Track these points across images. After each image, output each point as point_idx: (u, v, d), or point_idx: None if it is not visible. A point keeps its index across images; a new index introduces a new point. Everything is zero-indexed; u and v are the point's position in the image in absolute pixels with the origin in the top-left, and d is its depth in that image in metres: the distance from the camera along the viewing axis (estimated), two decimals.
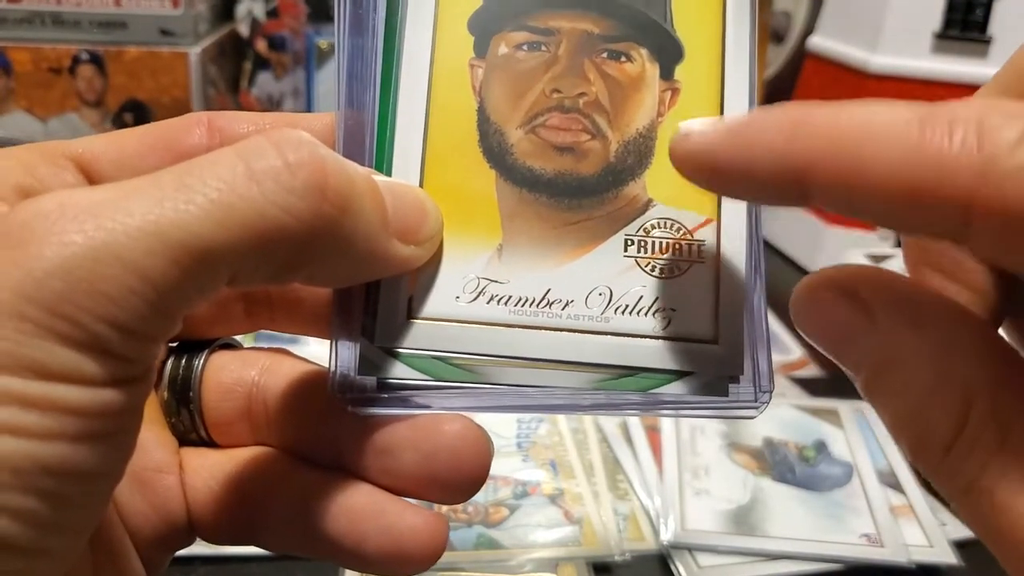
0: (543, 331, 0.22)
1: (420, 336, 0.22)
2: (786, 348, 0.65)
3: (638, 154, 0.23)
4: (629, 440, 0.53)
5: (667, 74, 0.23)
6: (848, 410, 0.56)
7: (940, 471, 0.17)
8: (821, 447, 0.52)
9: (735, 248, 0.23)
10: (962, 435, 0.17)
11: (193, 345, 0.26)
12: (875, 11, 0.72)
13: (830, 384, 0.60)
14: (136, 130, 0.24)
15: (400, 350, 0.22)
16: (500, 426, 0.53)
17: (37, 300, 0.16)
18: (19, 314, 0.16)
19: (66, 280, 0.16)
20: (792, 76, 0.86)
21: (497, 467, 0.50)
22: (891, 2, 0.71)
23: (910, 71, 0.72)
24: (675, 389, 0.22)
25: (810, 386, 0.60)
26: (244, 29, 0.84)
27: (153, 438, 0.25)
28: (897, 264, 0.63)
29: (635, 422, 0.54)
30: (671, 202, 0.23)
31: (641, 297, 0.22)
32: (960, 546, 0.46)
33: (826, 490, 0.49)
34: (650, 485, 0.49)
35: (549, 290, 0.22)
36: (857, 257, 0.64)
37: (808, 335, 0.20)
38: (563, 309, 0.22)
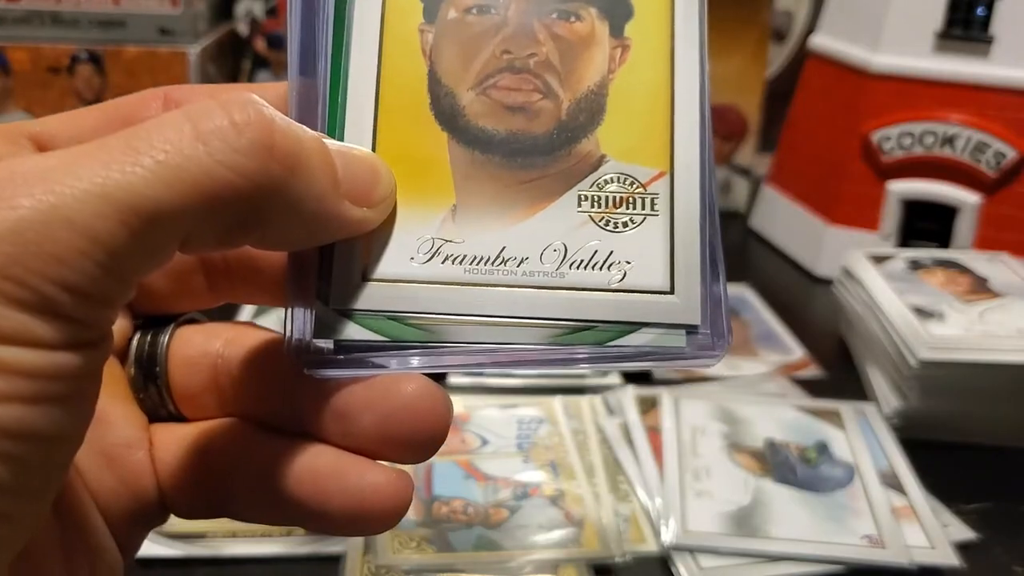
0: (498, 288, 0.22)
1: (375, 297, 0.22)
2: (787, 348, 0.65)
3: (590, 111, 0.23)
4: (630, 441, 0.52)
5: (617, 31, 0.24)
6: (850, 411, 0.56)
7: None
8: (822, 448, 0.52)
9: (689, 199, 0.23)
10: None
11: (158, 320, 0.26)
12: (876, 10, 0.72)
13: (831, 385, 0.60)
14: (93, 108, 0.24)
15: (355, 311, 0.22)
16: (500, 427, 0.53)
17: None
18: None
19: (15, 243, 0.16)
20: (793, 75, 0.86)
21: (497, 468, 0.50)
22: (893, 1, 0.71)
23: (911, 70, 0.71)
24: (632, 340, 0.22)
25: (811, 387, 0.60)
26: (243, 28, 0.84)
27: (121, 414, 0.25)
28: (900, 265, 0.63)
29: (636, 423, 0.53)
30: (624, 157, 0.23)
31: (596, 251, 0.22)
32: (962, 548, 0.46)
33: (827, 491, 0.49)
34: (651, 486, 0.49)
35: (504, 248, 0.22)
36: (858, 257, 0.64)
37: None
38: (518, 266, 0.22)
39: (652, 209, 0.23)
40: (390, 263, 0.22)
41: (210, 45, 0.79)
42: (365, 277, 0.22)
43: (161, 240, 0.18)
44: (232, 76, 0.85)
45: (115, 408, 0.24)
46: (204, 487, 0.24)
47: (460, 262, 0.22)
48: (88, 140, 0.23)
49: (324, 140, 0.21)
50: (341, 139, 0.23)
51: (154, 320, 0.26)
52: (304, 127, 0.20)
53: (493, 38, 0.23)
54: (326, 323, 0.22)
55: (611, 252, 0.22)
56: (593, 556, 0.44)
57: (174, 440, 0.25)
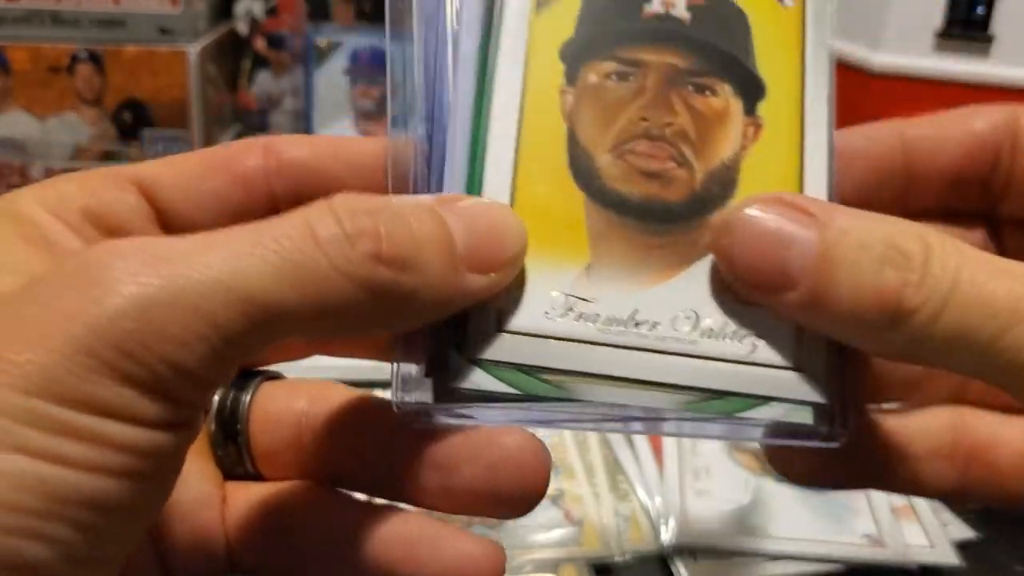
0: (631, 351, 0.22)
1: (508, 348, 0.22)
2: None
3: (722, 184, 0.23)
4: (630, 441, 0.52)
5: (750, 110, 0.24)
6: None
7: (925, 281, 0.19)
8: None
9: None
10: (932, 250, 0.20)
11: (240, 376, 0.26)
12: (877, 10, 0.72)
13: None
14: (194, 154, 0.25)
15: (487, 362, 0.22)
16: None
17: (108, 338, 0.17)
18: (87, 349, 0.17)
19: (138, 320, 0.17)
20: None
21: None
22: (892, 1, 0.71)
23: (912, 70, 0.71)
24: (762, 413, 0.22)
25: None
26: (243, 27, 0.84)
27: (197, 470, 0.25)
28: None
29: None
30: None
31: (727, 323, 0.22)
32: (962, 547, 0.46)
33: (828, 490, 0.49)
34: (651, 486, 0.49)
35: (636, 311, 0.22)
36: None
37: (743, 263, 0.21)
38: (650, 330, 0.22)
39: None
40: (525, 316, 0.22)
41: (210, 45, 0.79)
42: (500, 328, 0.22)
43: (276, 332, 0.19)
44: (232, 75, 0.85)
45: (192, 464, 0.24)
46: (275, 549, 0.24)
47: (594, 321, 0.22)
48: (191, 186, 0.24)
49: (442, 206, 0.21)
50: (480, 191, 0.23)
51: (236, 376, 0.26)
52: (419, 200, 0.21)
53: (631, 104, 0.24)
54: (457, 371, 0.22)
55: (742, 324, 0.23)
56: (593, 555, 0.44)
57: (248, 499, 0.25)
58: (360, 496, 0.25)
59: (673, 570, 0.44)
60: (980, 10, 0.69)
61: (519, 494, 0.23)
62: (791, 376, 0.22)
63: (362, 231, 0.19)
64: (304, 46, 0.83)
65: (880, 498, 0.48)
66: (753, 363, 0.22)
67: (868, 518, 0.47)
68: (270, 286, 0.18)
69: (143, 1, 0.75)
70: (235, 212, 0.24)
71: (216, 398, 0.25)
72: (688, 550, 0.45)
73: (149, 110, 0.77)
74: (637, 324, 0.22)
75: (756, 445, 0.52)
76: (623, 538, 0.46)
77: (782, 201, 0.21)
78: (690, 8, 0.24)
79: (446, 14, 0.24)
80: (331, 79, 0.81)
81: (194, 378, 0.18)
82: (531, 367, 0.22)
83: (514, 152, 0.23)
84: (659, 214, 0.23)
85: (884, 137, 0.25)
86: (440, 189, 0.23)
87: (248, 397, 0.25)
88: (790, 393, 0.22)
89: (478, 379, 0.22)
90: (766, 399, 0.22)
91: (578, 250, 0.23)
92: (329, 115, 0.82)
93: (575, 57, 0.24)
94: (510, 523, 0.46)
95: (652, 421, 0.23)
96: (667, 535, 0.45)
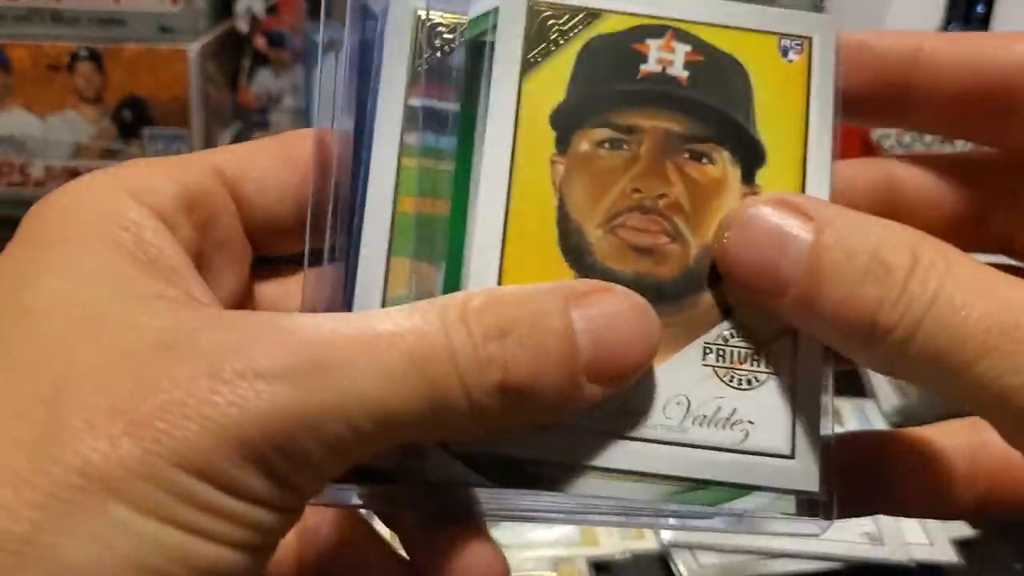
0: (621, 440, 0.21)
1: (497, 441, 0.21)
2: None
3: None
4: None
5: (748, 178, 0.23)
6: (849, 408, 0.56)
7: (901, 299, 0.19)
8: None
9: (810, 360, 0.22)
10: (917, 265, 0.19)
11: None
12: (876, 8, 0.72)
13: None
14: (270, 142, 0.24)
15: (471, 455, 0.21)
16: None
17: (266, 433, 0.17)
18: (245, 440, 0.17)
19: (296, 424, 0.18)
20: None
21: None
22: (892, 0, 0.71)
23: None
24: (744, 503, 0.22)
25: None
26: (243, 26, 0.84)
27: None
28: None
29: None
30: (750, 311, 0.22)
31: (719, 408, 0.22)
32: (961, 545, 0.46)
33: None
34: None
35: (626, 400, 0.22)
36: None
37: (739, 264, 0.21)
38: (641, 418, 0.22)
39: (775, 368, 0.22)
40: None
41: (210, 43, 0.79)
42: None
43: (399, 439, 0.19)
44: (232, 74, 0.85)
45: None
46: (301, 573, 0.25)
47: (585, 412, 0.21)
48: (270, 181, 0.23)
49: (576, 307, 0.20)
50: (459, 273, 0.22)
51: None
52: (550, 301, 0.20)
53: (624, 175, 0.22)
54: (439, 466, 0.21)
55: (734, 410, 0.22)
56: (593, 553, 0.44)
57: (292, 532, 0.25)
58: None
59: (672, 568, 0.44)
60: (980, 9, 0.69)
61: None
62: (783, 464, 0.22)
63: (491, 359, 0.19)
64: (304, 44, 0.83)
65: None
66: (744, 451, 0.22)
67: (868, 516, 0.47)
68: (408, 401, 0.18)
69: (143, 0, 0.75)
70: (300, 201, 0.23)
71: None
72: (687, 548, 0.45)
73: (149, 108, 0.77)
74: (628, 412, 0.21)
75: None
76: (622, 536, 0.46)
77: (782, 202, 0.21)
78: (688, 66, 0.23)
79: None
80: (330, 79, 0.81)
81: (324, 477, 0.19)
82: (514, 459, 0.21)
83: (502, 229, 0.22)
84: (652, 292, 0.22)
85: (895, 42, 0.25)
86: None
87: None
88: (782, 482, 0.22)
89: (460, 473, 0.21)
90: (752, 488, 0.22)
91: None
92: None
93: (566, 124, 0.22)
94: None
95: (634, 515, 0.22)
96: (666, 533, 0.45)
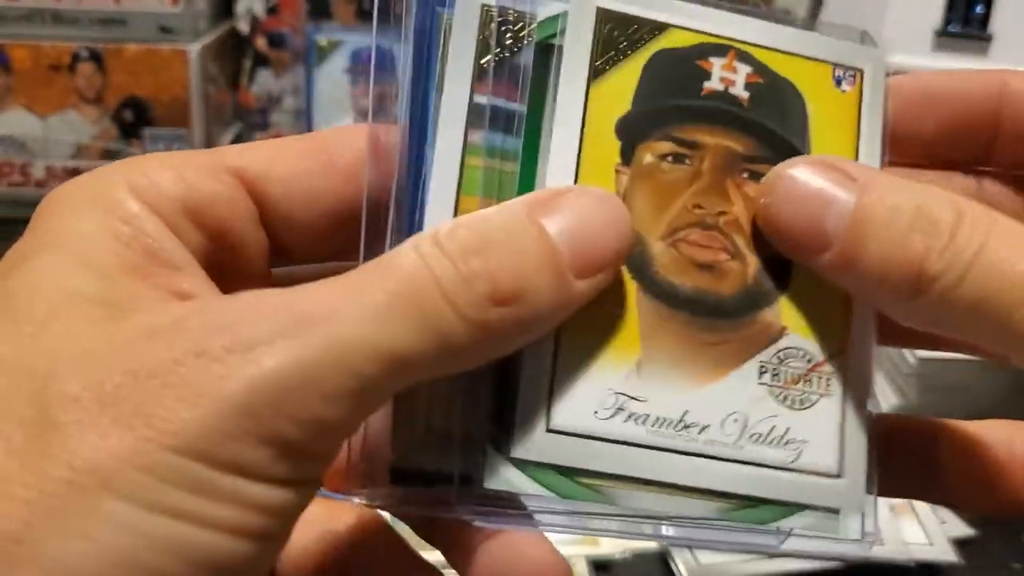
0: (678, 455, 0.22)
1: (553, 450, 0.21)
2: None
3: (774, 279, 0.23)
4: None
5: None
6: None
7: (948, 248, 0.20)
8: None
9: (860, 383, 0.23)
10: (963, 219, 0.20)
11: None
12: (875, 8, 0.72)
13: None
14: (295, 140, 0.23)
15: (528, 463, 0.21)
16: None
17: (267, 399, 0.17)
18: (246, 410, 0.17)
19: (295, 379, 0.17)
20: None
21: None
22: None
23: (911, 69, 0.71)
24: (791, 523, 0.22)
25: None
26: (244, 26, 0.84)
27: None
28: None
29: None
30: (804, 332, 0.23)
31: (774, 427, 0.22)
32: (960, 544, 0.46)
33: None
34: None
35: (686, 412, 0.22)
36: None
37: (782, 220, 0.21)
38: (699, 433, 0.22)
39: (827, 389, 0.23)
40: (575, 415, 0.21)
41: (211, 43, 0.79)
42: (549, 427, 0.21)
43: (408, 378, 0.19)
44: (232, 74, 0.85)
45: None
46: None
47: (643, 422, 0.21)
48: (294, 182, 0.22)
49: (540, 213, 0.20)
50: None
51: None
52: (513, 214, 0.20)
53: (686, 189, 0.23)
54: (493, 470, 0.21)
55: (788, 429, 0.22)
56: (593, 552, 0.44)
57: (308, 527, 0.24)
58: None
59: (672, 567, 0.44)
60: (979, 9, 0.70)
61: None
62: (832, 483, 0.22)
63: (476, 274, 0.19)
64: (305, 45, 0.83)
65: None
66: (796, 470, 0.22)
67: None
68: (405, 336, 0.18)
69: (144, 0, 0.75)
70: (333, 205, 0.23)
71: None
72: (688, 548, 0.45)
73: (150, 108, 0.77)
74: (687, 427, 0.22)
75: None
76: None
77: (825, 163, 0.21)
78: (749, 87, 0.23)
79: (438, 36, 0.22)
80: (332, 78, 0.82)
81: (335, 432, 0.18)
82: (571, 469, 0.21)
83: None
84: (711, 308, 0.22)
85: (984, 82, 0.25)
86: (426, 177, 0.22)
87: None
88: (829, 502, 0.22)
89: (515, 480, 0.21)
90: (800, 507, 0.22)
91: (629, 345, 0.22)
92: (330, 114, 0.82)
93: (631, 135, 0.23)
94: None
95: (685, 529, 0.22)
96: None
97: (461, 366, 0.20)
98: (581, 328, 0.21)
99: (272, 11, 0.84)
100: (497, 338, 0.19)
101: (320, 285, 0.18)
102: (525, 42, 0.22)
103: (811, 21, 0.24)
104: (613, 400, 0.22)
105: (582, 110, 0.22)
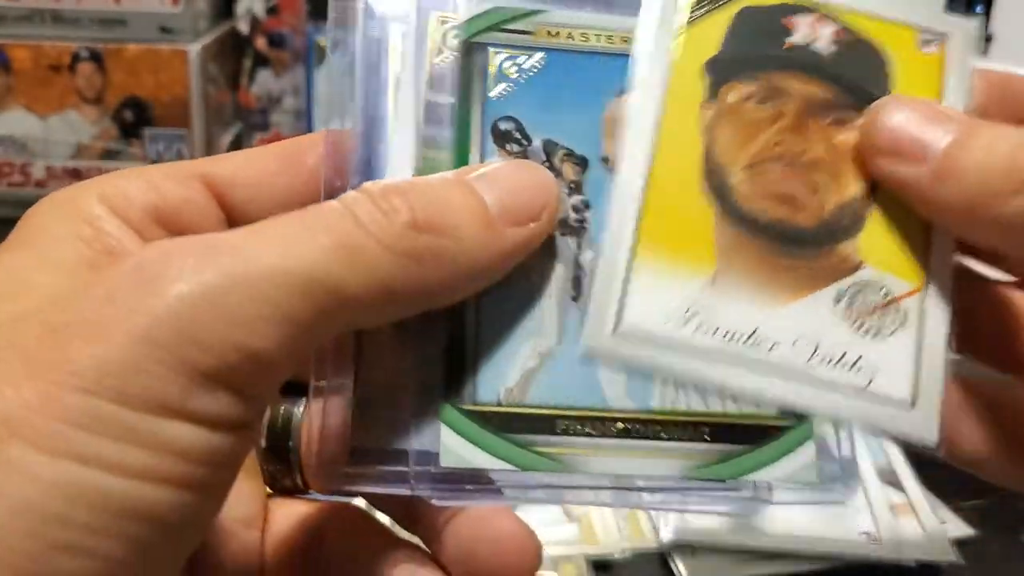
0: (747, 368, 0.22)
1: (633, 345, 0.22)
2: None
3: (852, 217, 0.24)
4: None
5: None
6: None
7: None
8: (821, 444, 0.52)
9: (937, 320, 0.23)
10: None
11: (291, 390, 0.25)
12: None
13: None
14: (265, 150, 0.24)
15: (487, 432, 0.22)
16: None
17: (174, 326, 0.16)
18: (152, 339, 0.16)
19: (205, 307, 0.17)
20: None
21: None
22: None
23: None
24: (766, 475, 0.22)
25: None
26: (244, 26, 0.84)
27: (246, 490, 0.24)
28: None
29: None
30: (882, 266, 0.23)
31: (845, 353, 0.23)
32: (960, 544, 0.46)
33: None
34: None
35: (757, 328, 0.22)
36: None
37: (883, 132, 0.23)
38: (770, 350, 0.22)
39: (904, 322, 0.23)
40: (646, 318, 0.22)
41: (211, 43, 0.79)
42: (617, 328, 0.22)
43: (338, 316, 0.19)
44: (232, 74, 0.85)
45: (240, 483, 0.24)
46: (306, 571, 0.24)
47: (713, 332, 0.22)
48: (263, 187, 0.23)
49: (466, 176, 0.21)
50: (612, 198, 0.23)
51: (287, 390, 0.25)
52: (440, 176, 0.21)
53: (769, 128, 0.24)
54: (450, 449, 0.21)
55: (860, 356, 0.23)
56: (593, 552, 0.44)
57: (289, 518, 0.25)
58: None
59: (672, 567, 0.44)
60: (979, 9, 0.70)
61: None
62: (904, 413, 0.23)
63: (396, 207, 0.19)
64: (305, 45, 0.83)
65: (879, 495, 0.48)
66: (866, 397, 0.23)
67: (867, 515, 0.47)
68: (325, 267, 0.18)
69: (144, 0, 0.75)
70: (297, 207, 0.23)
71: (268, 413, 0.25)
72: (687, 547, 0.45)
73: (150, 109, 0.77)
74: (757, 342, 0.22)
75: None
76: (623, 535, 0.46)
77: (927, 102, 0.23)
78: (832, 43, 0.24)
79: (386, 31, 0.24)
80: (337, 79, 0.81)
81: (262, 363, 0.17)
82: (528, 440, 0.22)
83: (648, 159, 0.23)
84: (788, 237, 0.23)
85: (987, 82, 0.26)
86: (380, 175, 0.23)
87: (300, 410, 0.25)
88: (901, 430, 0.23)
89: (468, 456, 0.21)
90: (779, 456, 0.22)
91: (705, 261, 0.23)
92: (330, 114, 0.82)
93: (719, 74, 0.24)
94: None
95: (659, 492, 0.22)
96: (666, 532, 0.45)
97: (399, 307, 0.20)
98: (659, 242, 0.22)
99: (272, 11, 0.84)
100: (429, 269, 0.19)
101: (239, 228, 0.19)
102: (454, 41, 0.24)
103: None
104: (686, 308, 0.22)
105: (670, 46, 0.24)
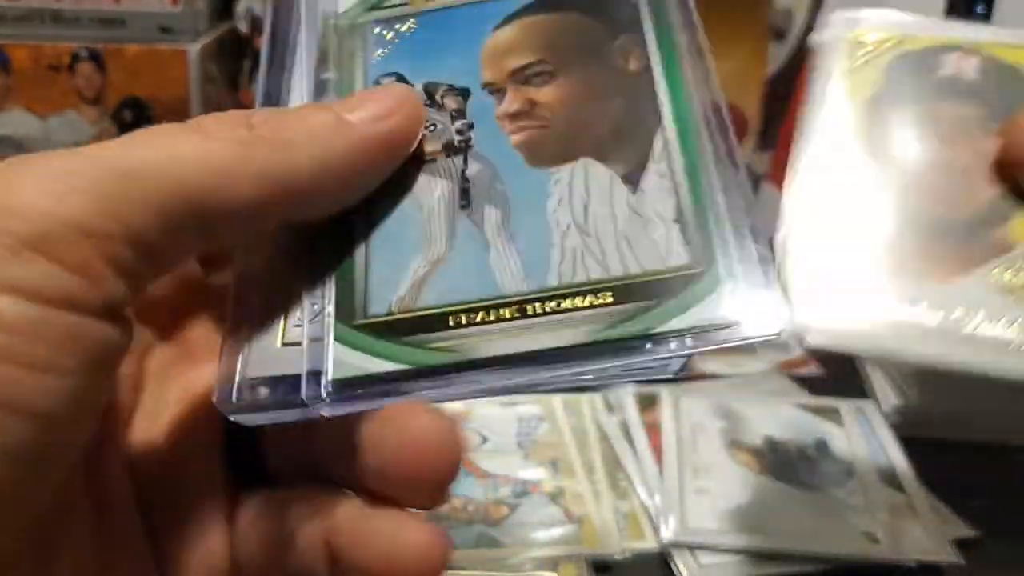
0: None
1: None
2: None
3: (1002, 211, 0.28)
4: (629, 438, 0.52)
5: None
6: (849, 408, 0.56)
7: None
8: (822, 445, 0.52)
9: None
10: None
11: None
12: (876, 7, 0.72)
13: (831, 382, 0.60)
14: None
15: (367, 332, 0.22)
16: (500, 424, 0.53)
17: (22, 212, 0.17)
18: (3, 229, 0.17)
19: (20, 180, 0.18)
20: (793, 74, 0.86)
21: (497, 466, 0.50)
22: None
23: None
24: (685, 322, 0.21)
25: (811, 385, 0.60)
26: (244, 26, 0.84)
27: (207, 478, 0.24)
28: None
29: (635, 421, 0.53)
30: None
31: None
32: (961, 545, 0.46)
33: (827, 488, 0.49)
34: (650, 484, 0.49)
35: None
36: None
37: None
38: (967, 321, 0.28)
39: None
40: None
41: (210, 43, 0.79)
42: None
43: (168, 199, 0.19)
44: (232, 74, 0.84)
45: (204, 469, 0.24)
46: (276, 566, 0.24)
47: (928, 307, 0.28)
48: None
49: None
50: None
51: None
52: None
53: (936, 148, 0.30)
54: (340, 361, 0.21)
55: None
56: (593, 553, 0.44)
57: (255, 512, 0.24)
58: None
59: (672, 568, 0.44)
60: (980, 8, 0.69)
61: (422, 481, 0.22)
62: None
63: (231, 116, 0.21)
64: None
65: (880, 496, 0.48)
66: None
67: (867, 516, 0.47)
68: (148, 154, 0.19)
69: (143, 0, 0.75)
70: None
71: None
72: (687, 548, 0.45)
73: (150, 109, 0.77)
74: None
75: (756, 442, 0.52)
76: (623, 536, 0.46)
77: None
78: (977, 71, 0.30)
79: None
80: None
81: (76, 229, 0.18)
82: (419, 340, 0.22)
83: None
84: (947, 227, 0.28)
85: None
86: None
87: None
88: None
89: (360, 362, 0.21)
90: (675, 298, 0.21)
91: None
92: None
93: (882, 107, 0.30)
94: (511, 520, 0.46)
95: (563, 363, 0.21)
96: (667, 533, 0.45)
97: (252, 203, 0.20)
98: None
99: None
100: (261, 153, 0.20)
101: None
102: (333, 31, 0.27)
103: None
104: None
105: (844, 92, 0.30)
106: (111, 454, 0.23)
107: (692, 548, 0.45)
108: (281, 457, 0.25)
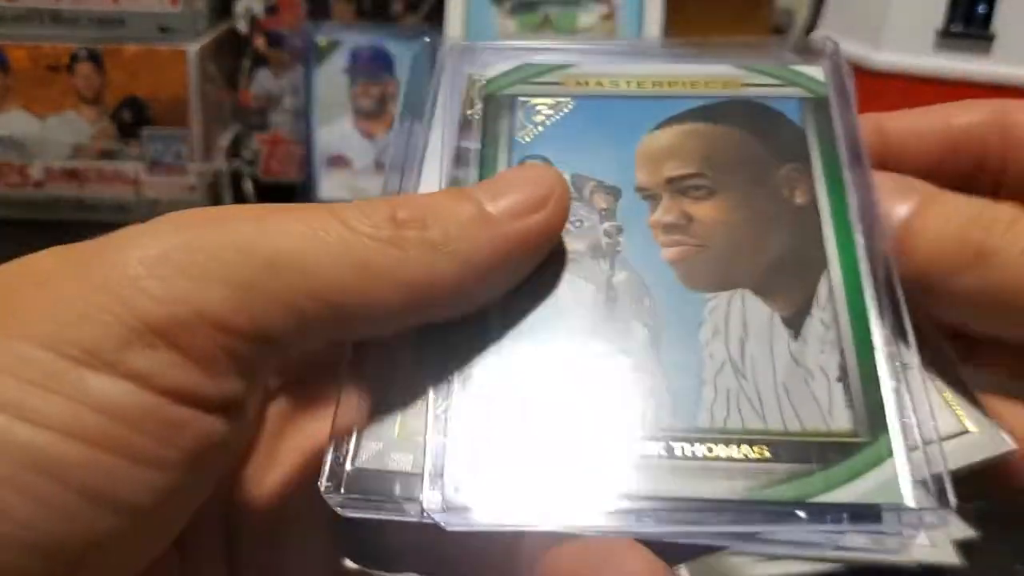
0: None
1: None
2: None
3: None
4: None
5: None
6: None
7: (1006, 234, 0.20)
8: None
9: None
10: (1018, 220, 0.20)
11: None
12: (877, 8, 0.72)
13: None
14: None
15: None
16: None
17: (124, 278, 0.16)
18: (101, 288, 0.16)
19: (157, 263, 0.17)
20: None
21: None
22: None
23: (913, 68, 0.71)
24: (840, 496, 0.20)
25: None
26: (243, 26, 0.84)
27: None
28: None
29: None
30: None
31: None
32: (963, 546, 0.46)
33: None
34: None
35: None
36: None
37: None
38: None
39: None
40: None
41: (209, 43, 0.79)
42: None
43: (308, 297, 0.18)
44: (231, 74, 0.84)
45: None
46: None
47: None
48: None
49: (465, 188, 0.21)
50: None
51: None
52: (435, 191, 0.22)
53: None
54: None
55: None
56: None
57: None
58: None
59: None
60: (981, 9, 0.69)
61: None
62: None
63: (377, 207, 0.19)
64: (304, 45, 0.83)
65: None
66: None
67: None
68: (295, 244, 0.18)
69: (143, 0, 0.75)
70: None
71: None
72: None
73: (149, 108, 0.77)
74: None
75: None
76: None
77: (898, 176, 0.22)
78: None
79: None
80: (331, 78, 0.81)
81: (211, 323, 0.17)
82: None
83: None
84: None
85: (862, 126, 0.24)
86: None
87: None
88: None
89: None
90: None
91: None
92: (329, 114, 0.82)
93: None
94: None
95: (715, 514, 0.19)
96: None
97: (393, 303, 0.19)
98: None
99: (271, 11, 0.84)
100: (404, 253, 0.18)
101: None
102: (479, 96, 0.25)
103: None
104: None
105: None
106: (213, 496, 0.21)
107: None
108: (400, 541, 0.22)
